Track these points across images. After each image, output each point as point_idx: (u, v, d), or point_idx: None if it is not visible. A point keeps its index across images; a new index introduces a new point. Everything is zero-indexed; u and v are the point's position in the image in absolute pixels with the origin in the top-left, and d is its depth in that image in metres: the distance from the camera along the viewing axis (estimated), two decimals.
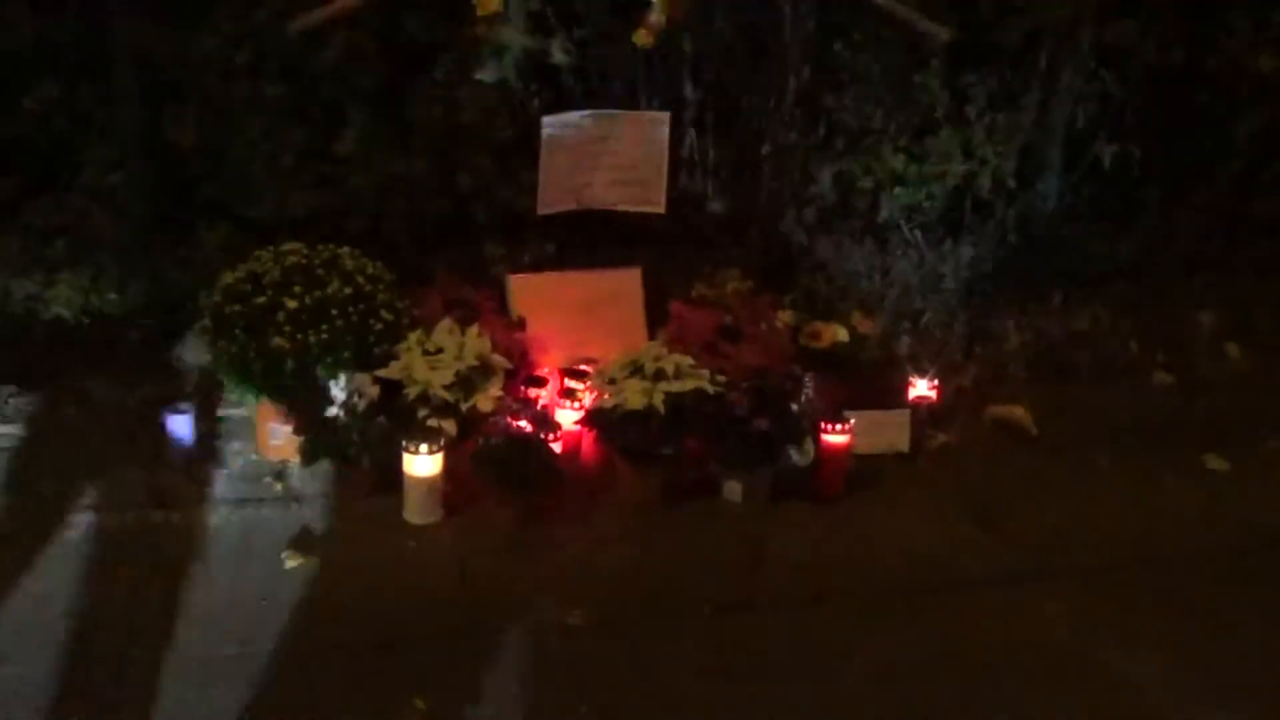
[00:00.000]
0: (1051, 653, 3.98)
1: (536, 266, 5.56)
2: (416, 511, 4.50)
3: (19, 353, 5.24)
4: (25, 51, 5.49)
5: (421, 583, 4.20)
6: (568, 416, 4.90)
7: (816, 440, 4.80)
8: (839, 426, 4.79)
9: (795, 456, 4.79)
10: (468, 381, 4.62)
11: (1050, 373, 5.85)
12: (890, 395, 5.34)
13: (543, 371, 5.10)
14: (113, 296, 5.32)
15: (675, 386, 4.62)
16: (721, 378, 4.73)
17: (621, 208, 5.62)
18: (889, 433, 5.10)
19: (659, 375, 4.63)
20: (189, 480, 4.71)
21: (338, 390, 4.56)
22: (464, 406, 4.61)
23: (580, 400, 4.93)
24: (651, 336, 5.12)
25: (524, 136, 5.57)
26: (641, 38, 5.27)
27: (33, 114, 5.48)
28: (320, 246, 4.96)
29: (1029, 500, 4.87)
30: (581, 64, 5.61)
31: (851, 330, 5.24)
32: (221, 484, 4.71)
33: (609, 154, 5.45)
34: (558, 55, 5.42)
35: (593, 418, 4.78)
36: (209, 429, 4.93)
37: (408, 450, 4.46)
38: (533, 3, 5.41)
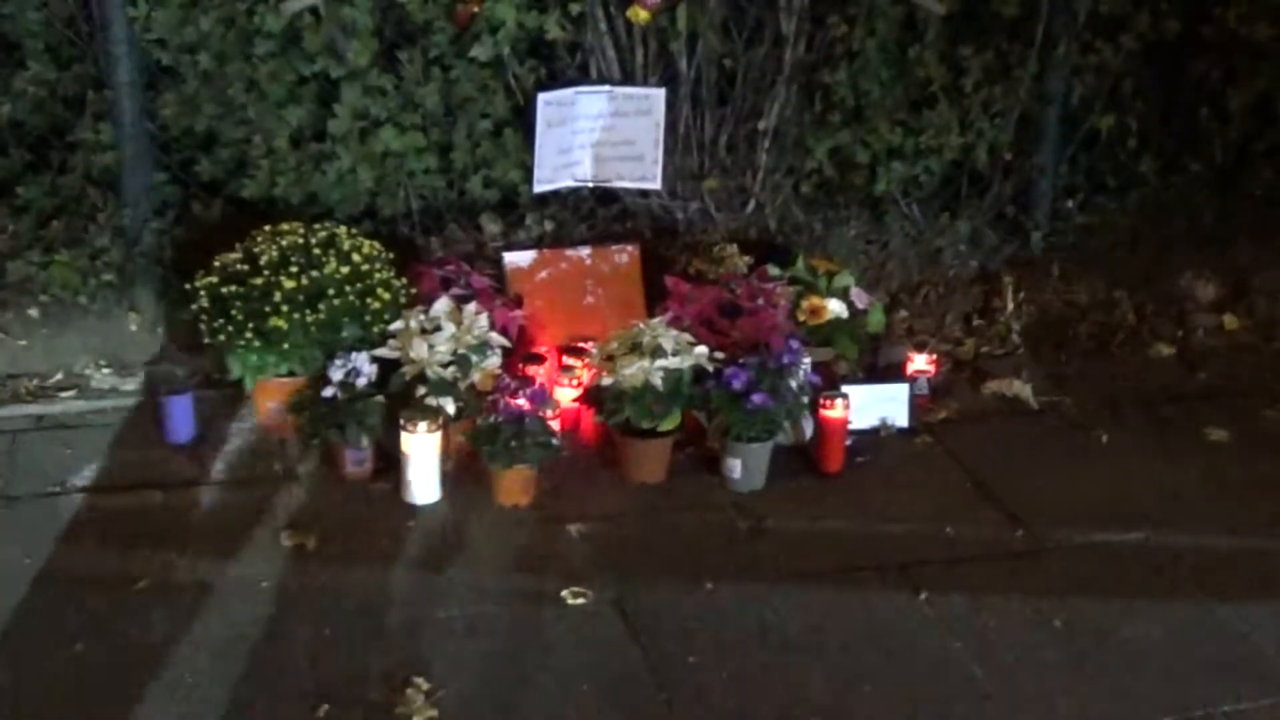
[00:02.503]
0: (1055, 625, 3.99)
1: (534, 244, 5.56)
2: (415, 490, 4.50)
3: None
4: (18, 32, 5.46)
5: (421, 561, 4.21)
6: (566, 394, 4.90)
7: (815, 416, 4.81)
8: (837, 401, 4.78)
9: (793, 432, 4.80)
10: (466, 360, 4.62)
11: (1049, 345, 5.85)
12: (888, 370, 5.34)
13: (541, 349, 5.10)
14: (109, 278, 5.31)
15: (674, 363, 4.62)
16: (720, 353, 4.72)
17: (618, 184, 5.62)
18: (888, 407, 5.09)
19: (657, 352, 4.62)
20: (186, 460, 4.71)
21: (335, 370, 4.55)
22: (462, 385, 4.61)
23: (578, 378, 4.92)
24: (649, 313, 5.11)
25: (519, 113, 5.56)
26: (637, 15, 5.26)
27: (26, 96, 5.45)
28: (316, 226, 4.96)
29: (1030, 474, 4.87)
30: (577, 40, 5.59)
31: (849, 305, 5.23)
32: (218, 464, 4.70)
33: (605, 130, 5.45)
34: (553, 31, 5.39)
35: (591, 395, 4.77)
36: (206, 409, 4.92)
37: (406, 429, 4.45)
38: None
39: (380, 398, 4.58)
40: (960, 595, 4.12)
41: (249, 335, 4.60)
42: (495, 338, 4.75)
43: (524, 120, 5.48)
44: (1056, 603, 4.10)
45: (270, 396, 4.78)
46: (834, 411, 4.78)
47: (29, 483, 4.53)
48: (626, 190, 5.72)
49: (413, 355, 4.58)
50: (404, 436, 4.46)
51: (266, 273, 4.69)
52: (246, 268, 4.73)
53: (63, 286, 5.28)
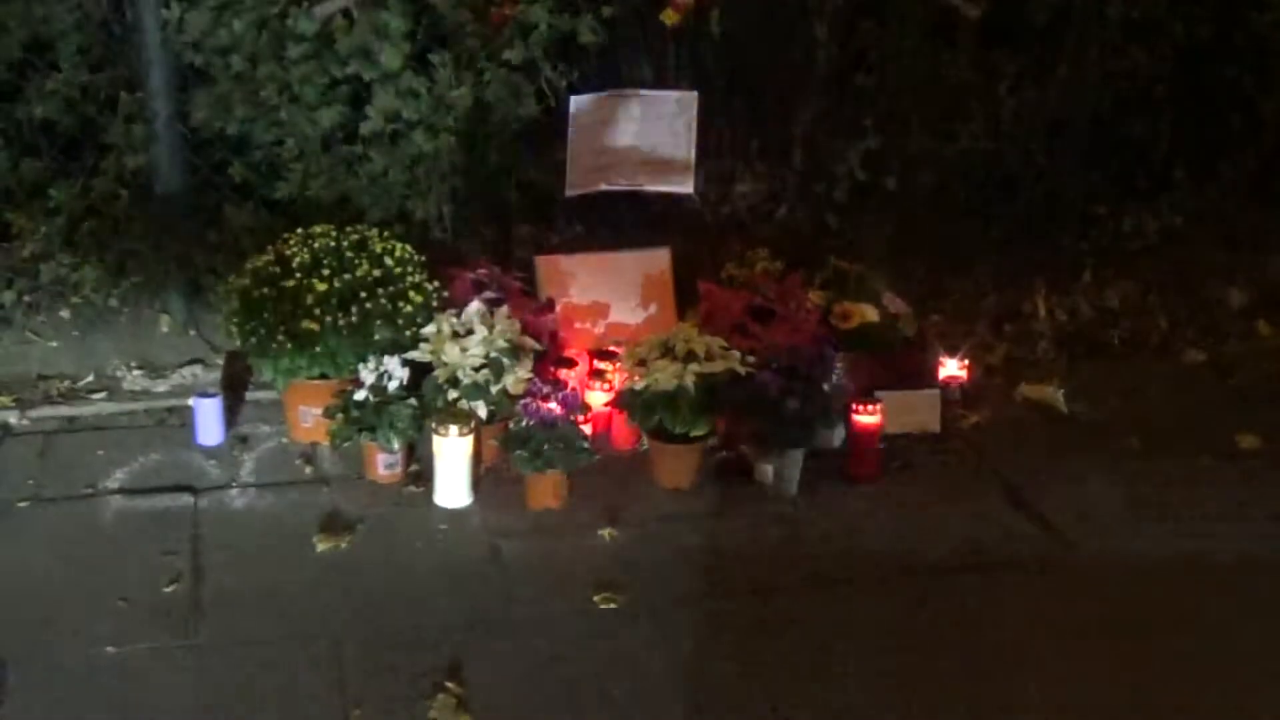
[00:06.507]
0: (1088, 631, 3.97)
1: (565, 248, 5.55)
2: (447, 494, 4.50)
3: None
4: (50, 34, 5.47)
5: (453, 566, 4.20)
6: (598, 398, 4.89)
7: (848, 421, 4.79)
8: (870, 407, 4.77)
9: (826, 437, 4.79)
10: (497, 363, 4.61)
11: (1081, 351, 5.83)
12: (921, 375, 5.33)
13: (572, 353, 5.09)
14: (140, 280, 5.32)
15: (706, 367, 4.61)
16: (752, 358, 4.71)
17: (650, 188, 5.61)
18: (920, 413, 5.08)
19: (690, 356, 4.61)
20: (217, 463, 4.71)
21: (367, 373, 4.55)
22: (494, 388, 4.60)
23: (610, 382, 4.92)
24: (681, 317, 5.11)
25: (551, 117, 5.55)
26: (669, 17, 5.26)
27: (59, 97, 5.46)
28: (348, 229, 4.96)
29: (1062, 480, 4.84)
30: (609, 43, 5.59)
31: (881, 310, 5.21)
32: (250, 467, 4.71)
33: (637, 134, 5.44)
34: (585, 35, 5.40)
35: (623, 399, 4.76)
36: (237, 412, 4.93)
37: (438, 433, 4.45)
38: None
39: (412, 401, 4.58)
40: (993, 601, 4.11)
41: (281, 338, 4.60)
42: (527, 341, 4.75)
43: (556, 123, 5.48)
44: (1089, 609, 4.09)
45: (302, 399, 4.78)
46: (866, 417, 4.77)
47: (61, 485, 4.54)
48: (658, 194, 5.71)
49: (445, 359, 4.58)
50: (435, 440, 4.46)
51: (298, 275, 4.69)
52: (278, 270, 4.74)
53: (94, 288, 5.31)
